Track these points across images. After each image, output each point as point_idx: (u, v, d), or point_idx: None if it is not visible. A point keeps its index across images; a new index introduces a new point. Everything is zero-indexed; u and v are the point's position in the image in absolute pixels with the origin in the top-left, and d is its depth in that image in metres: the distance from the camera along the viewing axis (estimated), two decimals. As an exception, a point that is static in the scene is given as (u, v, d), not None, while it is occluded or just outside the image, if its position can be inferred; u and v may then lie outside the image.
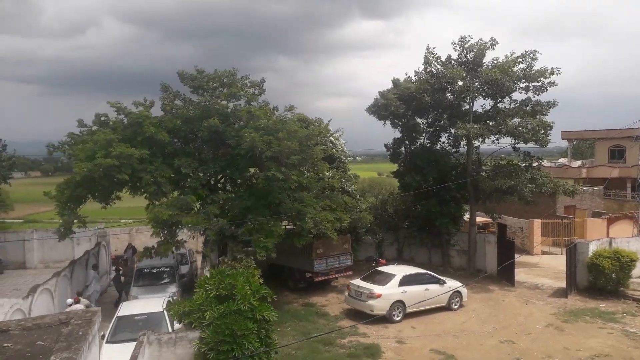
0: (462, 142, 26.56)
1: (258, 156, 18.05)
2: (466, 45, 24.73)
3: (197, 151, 20.43)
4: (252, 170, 20.40)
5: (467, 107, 25.66)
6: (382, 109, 26.60)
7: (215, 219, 17.65)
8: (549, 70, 23.73)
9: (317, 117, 27.14)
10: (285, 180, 18.27)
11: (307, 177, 21.16)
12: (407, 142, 28.75)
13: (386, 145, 29.44)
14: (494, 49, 24.53)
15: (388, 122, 27.58)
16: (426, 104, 25.30)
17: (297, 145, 18.06)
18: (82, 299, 16.31)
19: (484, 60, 24.79)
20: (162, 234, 17.71)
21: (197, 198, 18.74)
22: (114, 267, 26.21)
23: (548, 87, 24.01)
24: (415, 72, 26.82)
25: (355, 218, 22.90)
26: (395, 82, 27.64)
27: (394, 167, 30.07)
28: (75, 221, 18.04)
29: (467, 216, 27.89)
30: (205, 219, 17.58)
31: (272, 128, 18.67)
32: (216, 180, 21.55)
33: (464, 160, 27.25)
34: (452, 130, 26.46)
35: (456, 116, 25.37)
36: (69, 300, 15.78)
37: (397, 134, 28.62)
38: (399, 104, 26.08)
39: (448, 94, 25.27)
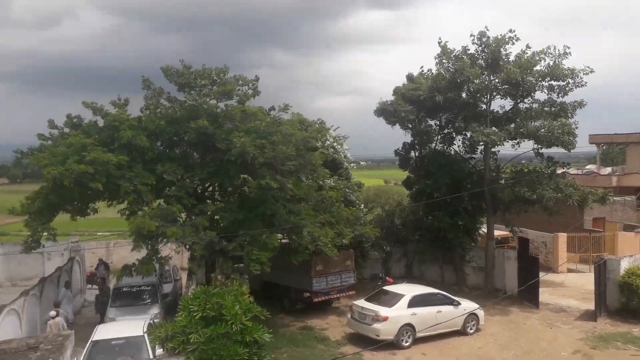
0: (480, 147, 26.74)
1: (250, 162, 18.13)
2: (484, 39, 24.87)
3: (182, 156, 20.51)
4: (244, 177, 20.43)
5: (484, 107, 25.82)
6: (390, 114, 26.98)
7: (203, 232, 17.68)
8: (581, 70, 23.69)
9: (317, 119, 27.44)
10: (280, 189, 18.33)
11: (304, 185, 21.26)
12: (417, 146, 28.89)
13: (396, 152, 29.68)
14: (514, 43, 24.65)
15: (397, 126, 27.92)
16: (439, 103, 25.43)
17: (294, 149, 18.13)
18: (60, 311, 16.92)
19: (504, 55, 24.85)
20: (145, 249, 17.73)
21: (183, 208, 18.82)
22: (92, 286, 26.20)
23: (575, 88, 24.09)
24: (429, 69, 27.27)
25: (359, 232, 22.79)
26: (409, 77, 28.00)
27: (403, 174, 30.15)
28: (44, 234, 18.04)
29: (483, 229, 27.98)
30: (193, 232, 17.60)
31: (265, 131, 18.76)
32: (204, 188, 21.59)
33: (480, 167, 27.31)
34: (468, 134, 26.60)
35: (472, 117, 25.50)
36: (52, 313, 16.53)
37: (407, 137, 28.89)
38: (410, 109, 26.40)
39: (463, 93, 25.42)
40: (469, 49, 25.17)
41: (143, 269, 17.61)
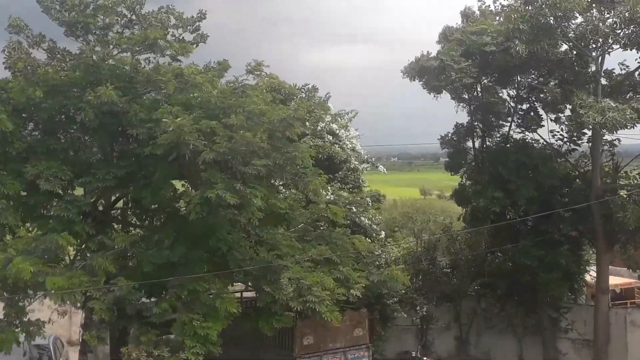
0: (586, 135, 26.90)
1: (190, 160, 17.98)
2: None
3: (72, 149, 20.23)
4: (178, 186, 20.61)
5: (593, 66, 25.94)
6: (433, 75, 26.68)
7: (107, 282, 17.56)
8: None
9: (305, 84, 27.19)
10: (241, 207, 17.92)
11: (284, 199, 21.14)
12: (479, 130, 29.08)
13: (441, 141, 29.88)
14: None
15: (444, 95, 28.13)
16: (517, 59, 25.20)
17: (265, 139, 17.87)
18: None
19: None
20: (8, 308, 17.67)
21: (73, 239, 18.35)
22: None
23: None
24: (499, 3, 27.40)
25: (378, 278, 22.32)
26: (466, 14, 28.24)
27: (453, 180, 30.34)
28: None
29: (592, 273, 27.94)
30: (88, 281, 17.42)
31: (217, 106, 18.61)
32: (109, 204, 21.46)
33: (586, 167, 27.59)
34: (565, 111, 26.75)
35: (573, 83, 25.41)
36: None
37: (462, 116, 29.17)
38: (467, 67, 25.98)
39: (560, 43, 25.54)
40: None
41: (-1, 344, 17.39)
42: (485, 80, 27.72)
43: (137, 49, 20.22)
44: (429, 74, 27.12)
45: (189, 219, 18.39)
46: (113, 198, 21.47)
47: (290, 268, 18.83)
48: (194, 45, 21.35)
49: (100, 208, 20.94)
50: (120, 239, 18.95)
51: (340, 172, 26.83)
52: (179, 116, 17.52)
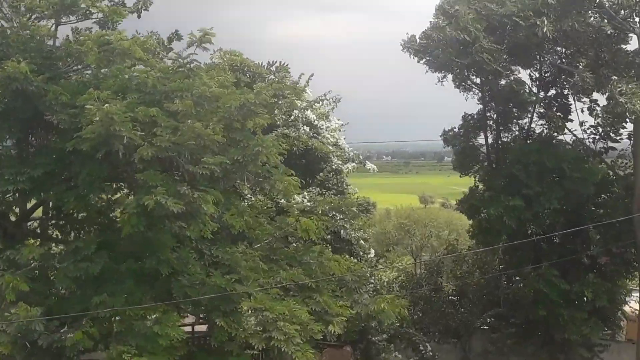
0: (626, 128, 27.25)
1: (124, 158, 17.89)
2: None
3: None
4: (108, 190, 20.46)
5: (636, 43, 26.12)
6: (445, 49, 26.64)
7: (14, 309, 17.23)
8: None
9: (274, 61, 27.64)
10: (189, 217, 17.89)
11: (246, 207, 21.20)
12: (493, 123, 29.55)
13: (445, 137, 30.23)
14: None
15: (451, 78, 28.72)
16: (542, 38, 25.43)
17: (220, 129, 17.98)
18: None
19: None
20: None
21: None
22: None
23: None
24: None
25: (366, 310, 22.29)
26: None
27: (461, 184, 31.16)
28: None
29: (633, 304, 28.69)
30: None
31: (159, 89, 18.58)
32: (23, 213, 21.34)
33: (626, 169, 28.13)
34: (600, 99, 27.02)
35: (609, 64, 25.62)
36: None
37: (472, 105, 29.93)
38: (484, 41, 25.81)
39: (592, 17, 25.60)
40: None
41: None
42: (504, 60, 27.57)
43: (57, 15, 20.19)
44: (450, 47, 26.84)
45: (123, 230, 18.13)
46: (28, 204, 21.22)
47: (253, 296, 18.74)
48: (134, 14, 21.41)
49: (11, 217, 20.78)
50: (27, 250, 18.45)
51: (320, 174, 27.09)
52: (107, 101, 17.32)
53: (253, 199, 24.27)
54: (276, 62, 27.82)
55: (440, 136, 30.34)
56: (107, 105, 17.09)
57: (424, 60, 27.97)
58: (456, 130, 29.95)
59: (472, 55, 26.10)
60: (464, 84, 28.82)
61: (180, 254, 18.93)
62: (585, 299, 26.83)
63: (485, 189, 29.06)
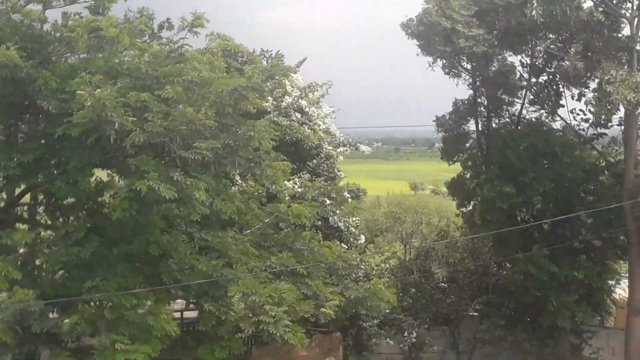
0: (618, 114, 26.84)
1: (115, 143, 17.95)
2: None
3: None
4: (100, 175, 20.45)
5: (627, 30, 25.96)
6: (437, 36, 26.65)
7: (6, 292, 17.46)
8: None
9: (267, 50, 27.85)
10: (180, 202, 18.14)
11: (237, 192, 21.52)
12: (484, 109, 29.46)
13: (437, 123, 30.02)
14: None
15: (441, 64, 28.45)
16: (533, 23, 25.40)
17: (212, 114, 17.97)
18: None
19: None
20: None
21: None
22: None
23: None
24: None
25: (356, 295, 22.41)
26: None
27: (450, 171, 30.90)
28: None
29: (621, 291, 28.56)
30: None
31: (150, 74, 18.62)
32: (12, 199, 21.37)
33: (617, 156, 27.94)
34: (591, 85, 26.85)
35: (601, 50, 25.66)
36: None
37: (463, 91, 29.64)
38: (479, 32, 26.08)
39: (584, 0, 25.55)
40: None
41: None
42: (495, 45, 27.45)
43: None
44: (436, 35, 26.80)
45: (113, 216, 18.15)
46: (18, 191, 21.16)
47: (242, 280, 18.74)
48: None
49: (1, 204, 20.77)
50: (18, 235, 18.49)
51: (312, 161, 27.32)
52: (99, 87, 17.24)
53: (244, 184, 24.28)
54: (271, 50, 27.96)
55: (434, 121, 30.32)
56: (99, 90, 17.04)
57: (417, 44, 27.86)
58: (447, 116, 29.95)
59: (456, 43, 26.13)
60: (453, 70, 28.64)
61: (170, 237, 18.93)
62: (574, 284, 26.78)
63: (474, 175, 29.13)
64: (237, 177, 23.44)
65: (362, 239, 27.75)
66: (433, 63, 28.23)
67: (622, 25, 26.19)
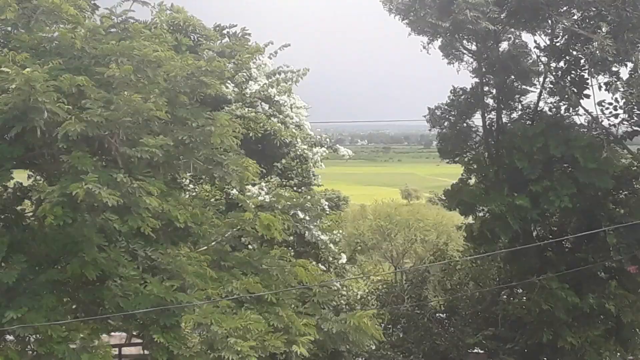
0: None
1: (44, 136, 17.57)
2: None
3: None
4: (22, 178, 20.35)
5: None
6: (430, 8, 26.35)
7: None
8: None
9: (230, 25, 27.56)
10: (125, 211, 17.65)
11: (193, 198, 21.57)
12: (491, 99, 29.67)
13: (431, 116, 29.94)
14: None
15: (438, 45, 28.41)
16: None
17: (164, 103, 17.73)
18: None
19: None
20: None
21: None
22: None
23: None
24: None
25: (338, 328, 22.05)
26: None
27: (454, 174, 30.57)
28: None
29: None
30: None
31: (85, 52, 18.40)
32: None
33: None
34: (624, 69, 27.05)
35: (633, 29, 25.62)
36: None
37: (465, 77, 30.33)
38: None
39: None
40: None
41: None
42: (504, 22, 27.43)
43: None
44: (428, 7, 26.40)
45: (36, 229, 18.29)
46: None
47: (197, 308, 18.58)
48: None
49: None
50: None
51: (281, 162, 27.09)
52: (27, 66, 16.88)
53: (197, 189, 24.09)
54: (235, 25, 27.66)
55: (424, 116, 30.02)
56: (28, 69, 16.67)
57: (406, 21, 27.51)
58: (443, 106, 29.93)
59: (455, 15, 25.54)
60: (453, 51, 28.70)
61: (110, 254, 18.53)
62: (601, 316, 26.74)
63: (479, 181, 29.14)
64: (187, 181, 22.81)
65: (344, 258, 27.43)
66: (428, 44, 28.22)
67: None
